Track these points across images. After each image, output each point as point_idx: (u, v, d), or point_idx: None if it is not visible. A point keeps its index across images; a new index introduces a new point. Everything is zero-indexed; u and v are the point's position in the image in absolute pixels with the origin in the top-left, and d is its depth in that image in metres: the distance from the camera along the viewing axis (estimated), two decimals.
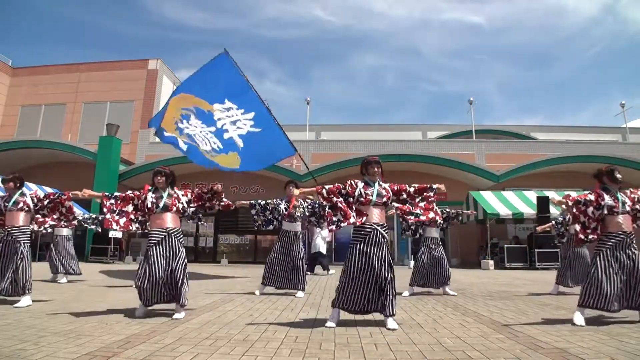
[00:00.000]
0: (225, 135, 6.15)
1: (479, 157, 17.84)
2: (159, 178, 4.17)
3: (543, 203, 13.06)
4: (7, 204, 4.67)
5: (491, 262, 13.23)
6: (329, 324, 3.58)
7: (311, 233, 11.04)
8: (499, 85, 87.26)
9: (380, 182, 3.92)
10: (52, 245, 7.71)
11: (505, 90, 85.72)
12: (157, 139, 6.64)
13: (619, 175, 4.06)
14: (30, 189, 5.38)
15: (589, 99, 79.99)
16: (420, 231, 6.18)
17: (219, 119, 6.14)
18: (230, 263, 15.59)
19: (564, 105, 78.79)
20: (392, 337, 3.23)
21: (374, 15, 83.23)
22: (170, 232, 4.03)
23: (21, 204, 4.68)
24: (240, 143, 6.19)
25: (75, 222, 5.08)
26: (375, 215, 3.76)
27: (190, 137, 5.98)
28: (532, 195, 14.18)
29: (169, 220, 4.06)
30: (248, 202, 6.05)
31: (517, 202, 14.06)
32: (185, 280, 4.02)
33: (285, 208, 5.86)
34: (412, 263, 14.05)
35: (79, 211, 8.14)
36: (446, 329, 3.57)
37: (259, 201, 6.02)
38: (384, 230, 3.75)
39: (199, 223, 5.33)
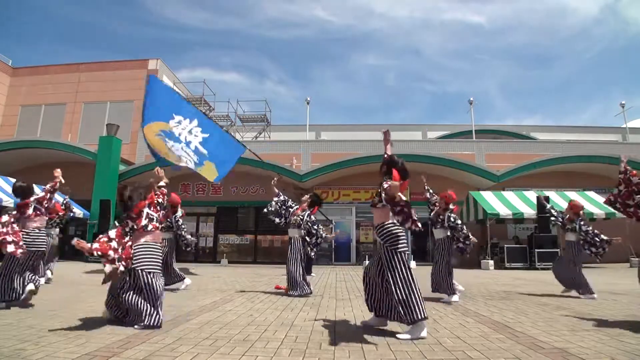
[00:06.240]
0: (192, 146, 6.53)
1: (479, 157, 17.83)
2: None
3: (543, 203, 13.05)
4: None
5: (491, 262, 13.22)
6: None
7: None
8: (499, 85, 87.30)
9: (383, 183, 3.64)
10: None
11: (505, 90, 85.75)
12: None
13: None
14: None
15: (589, 99, 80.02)
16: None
17: (180, 134, 6.49)
18: (230, 263, 15.59)
19: (564, 105, 78.86)
20: (392, 337, 3.23)
21: (375, 15, 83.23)
22: None
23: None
24: (204, 150, 6.55)
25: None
26: (375, 216, 3.66)
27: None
28: (532, 195, 14.17)
29: None
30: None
31: (517, 202, 14.05)
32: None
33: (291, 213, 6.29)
34: (412, 263, 14.11)
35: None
36: (446, 329, 3.57)
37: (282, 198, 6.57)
38: (377, 231, 3.55)
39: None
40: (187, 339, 3.10)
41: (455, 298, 5.40)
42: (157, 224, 4.01)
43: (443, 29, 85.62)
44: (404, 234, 3.46)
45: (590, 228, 5.97)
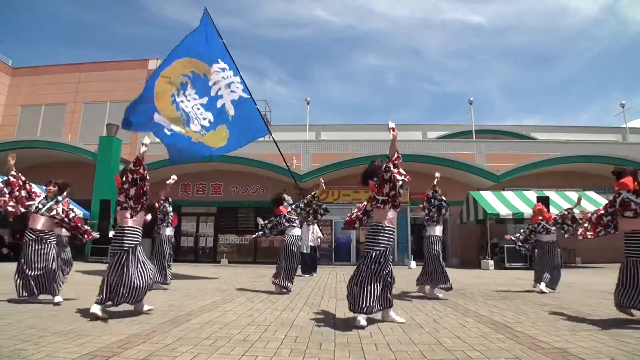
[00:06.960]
0: (219, 103, 6.15)
1: (479, 157, 17.83)
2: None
3: (543, 203, 13.03)
4: (40, 208, 4.97)
5: (491, 262, 13.22)
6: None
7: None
8: (499, 85, 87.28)
9: None
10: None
11: (505, 90, 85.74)
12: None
13: None
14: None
15: (589, 99, 79.98)
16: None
17: (215, 83, 6.11)
18: (230, 263, 15.59)
19: (564, 105, 78.82)
20: (392, 337, 3.23)
21: (375, 15, 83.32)
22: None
23: (53, 212, 5.02)
24: (231, 111, 6.23)
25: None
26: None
27: (184, 117, 5.89)
28: (532, 195, 14.17)
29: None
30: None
31: (517, 202, 14.05)
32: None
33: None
34: (412, 263, 14.10)
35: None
36: (446, 329, 3.57)
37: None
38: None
39: None
40: (187, 339, 3.10)
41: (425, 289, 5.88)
42: (118, 207, 4.19)
43: (443, 29, 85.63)
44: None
45: (523, 230, 7.44)
